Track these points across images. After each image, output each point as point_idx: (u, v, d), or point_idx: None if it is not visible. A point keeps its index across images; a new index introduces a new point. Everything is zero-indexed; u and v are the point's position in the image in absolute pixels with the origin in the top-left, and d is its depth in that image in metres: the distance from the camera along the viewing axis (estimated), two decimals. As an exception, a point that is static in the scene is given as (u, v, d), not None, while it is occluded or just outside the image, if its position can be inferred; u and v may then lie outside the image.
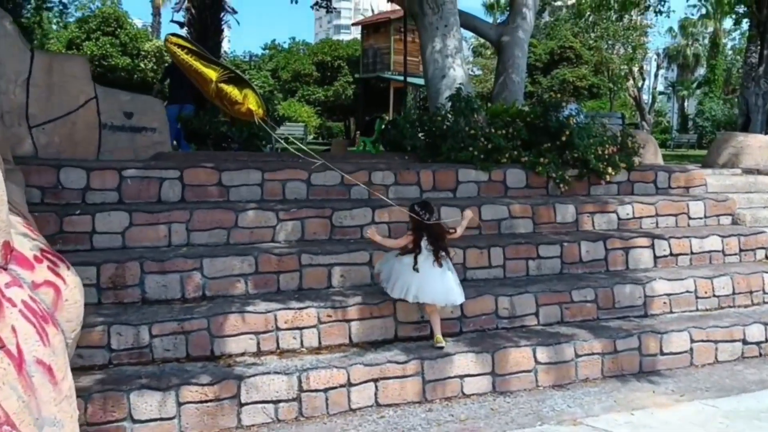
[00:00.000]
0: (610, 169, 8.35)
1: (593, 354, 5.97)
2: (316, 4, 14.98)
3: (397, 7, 19.42)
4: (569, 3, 39.16)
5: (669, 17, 21.32)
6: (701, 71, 57.39)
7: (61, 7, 20.97)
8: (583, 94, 35.66)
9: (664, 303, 6.89)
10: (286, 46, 45.63)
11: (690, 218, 8.38)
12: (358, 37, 38.45)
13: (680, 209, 8.32)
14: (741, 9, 20.53)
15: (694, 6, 52.83)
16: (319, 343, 5.55)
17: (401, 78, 25.53)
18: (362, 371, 5.18)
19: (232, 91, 11.16)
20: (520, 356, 5.72)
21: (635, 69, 40.49)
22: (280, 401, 4.90)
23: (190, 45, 11.88)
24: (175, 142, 9.41)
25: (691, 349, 6.39)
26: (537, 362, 5.77)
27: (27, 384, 2.79)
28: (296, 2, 14.75)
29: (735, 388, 5.86)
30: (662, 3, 20.42)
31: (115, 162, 6.74)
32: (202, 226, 6.28)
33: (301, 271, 6.07)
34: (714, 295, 7.14)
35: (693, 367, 6.36)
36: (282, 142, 7.13)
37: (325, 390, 5.03)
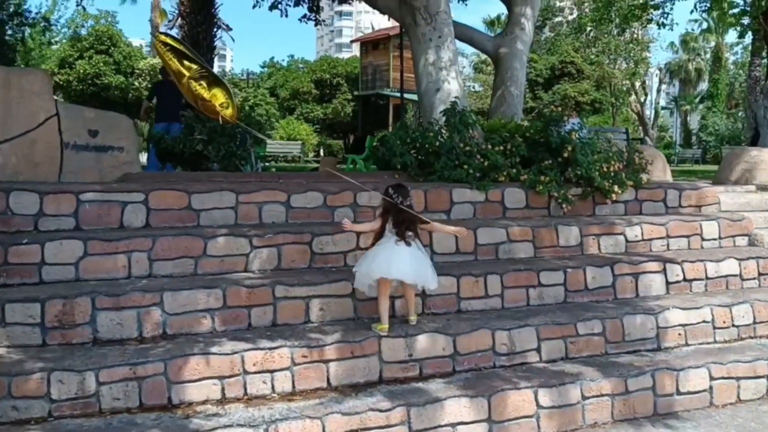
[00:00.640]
0: (616, 188, 7.74)
1: (602, 395, 5.33)
2: (304, 17, 14.52)
3: (397, 24, 19.04)
4: (570, 18, 38.82)
5: (672, 30, 20.73)
6: (703, 86, 57.09)
7: (44, 24, 20.51)
8: (585, 109, 35.13)
9: (679, 335, 6.26)
10: (285, 64, 45.26)
11: (703, 240, 7.75)
12: (358, 54, 38.13)
13: (693, 230, 7.70)
14: (746, 21, 19.99)
15: (696, 20, 52.71)
16: (293, 387, 4.92)
17: (399, 95, 25.11)
18: (340, 421, 4.55)
19: (199, 88, 10.63)
20: (521, 399, 5.08)
21: (637, 84, 39.98)
22: (243, 459, 4.27)
23: (176, 44, 11.49)
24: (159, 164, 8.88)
25: (711, 388, 5.75)
26: (539, 406, 5.12)
27: None
28: (287, 16, 14.30)
29: (761, 433, 5.22)
30: (665, 15, 19.91)
31: (73, 185, 6.14)
32: (167, 255, 5.67)
33: (275, 304, 5.45)
34: (733, 325, 6.51)
35: (713, 407, 5.72)
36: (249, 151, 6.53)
37: (296, 444, 4.39)
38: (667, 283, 6.87)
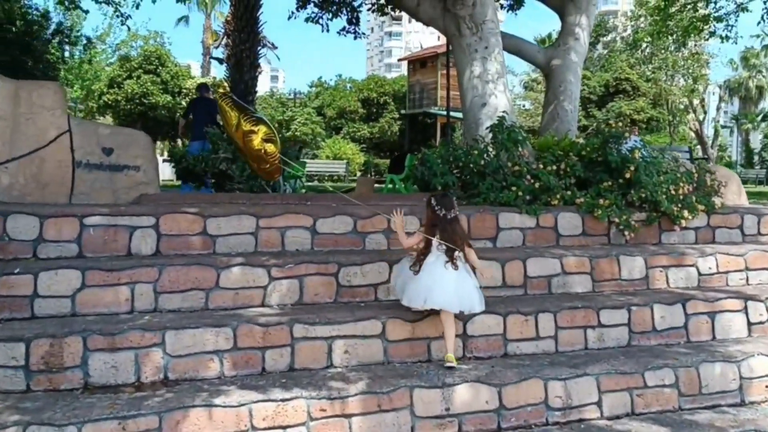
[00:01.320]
0: (686, 213, 6.85)
1: (677, 463, 4.47)
2: (343, 29, 14.00)
3: (444, 42, 18.45)
4: (624, 34, 37.60)
5: (736, 43, 19.48)
6: (764, 104, 54.85)
7: (85, 41, 20.55)
8: (640, 127, 33.77)
9: (767, 387, 5.32)
10: (332, 83, 45.12)
11: (789, 273, 6.78)
12: (405, 73, 37.66)
13: (776, 262, 6.74)
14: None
15: (758, 36, 50.72)
16: (309, 446, 4.21)
17: (451, 114, 24.48)
18: (360, 493, 3.82)
19: (245, 123, 10.49)
20: (578, 467, 4.27)
21: (696, 101, 38.36)
22: None
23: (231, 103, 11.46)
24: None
25: (809, 454, 4.80)
26: (601, 475, 4.30)
27: None
28: (328, 30, 13.82)
29: None
30: (729, 28, 18.73)
31: (77, 207, 5.61)
32: (175, 287, 5.06)
33: (292, 345, 4.77)
34: (831, 376, 5.53)
35: (812, 478, 4.77)
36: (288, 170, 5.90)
37: None
38: (749, 323, 5.96)
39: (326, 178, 30.27)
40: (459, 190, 6.96)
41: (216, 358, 4.59)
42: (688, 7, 19.28)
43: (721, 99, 45.86)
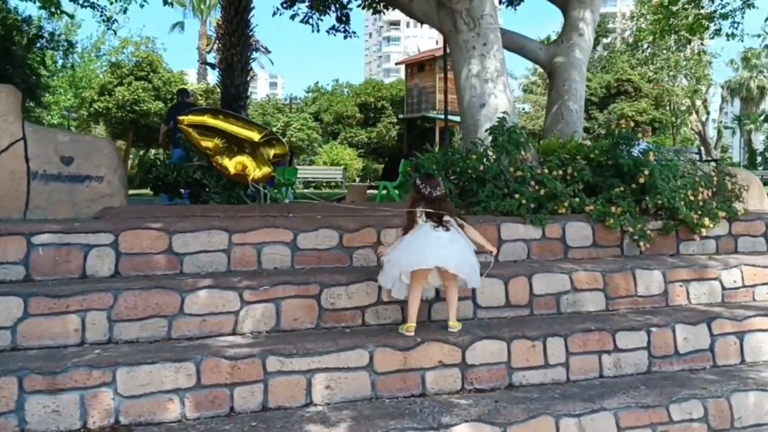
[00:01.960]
0: (706, 220, 6.24)
1: None
2: (333, 28, 13.40)
3: (442, 45, 17.91)
4: (625, 35, 37.05)
5: (743, 41, 18.90)
6: (766, 105, 54.29)
7: (66, 46, 19.92)
8: (644, 129, 33.15)
9: (807, 418, 4.70)
10: (329, 88, 44.55)
11: (822, 285, 6.15)
12: (401, 77, 37.13)
13: (807, 273, 6.11)
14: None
15: (759, 35, 50.18)
16: (281, 504, 3.59)
17: (450, 117, 23.92)
18: None
19: (224, 162, 10.38)
20: None
21: (699, 102, 37.75)
22: None
23: (197, 117, 11.20)
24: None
25: None
26: None
27: None
28: (318, 31, 13.22)
29: None
30: (735, 25, 18.11)
31: (25, 224, 4.99)
32: (132, 314, 4.44)
33: (266, 381, 4.15)
34: None
35: None
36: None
37: None
38: (782, 344, 5.33)
39: (323, 184, 29.66)
40: (456, 197, 6.33)
41: (176, 398, 3.98)
42: (693, 4, 18.68)
43: (723, 99, 45.27)
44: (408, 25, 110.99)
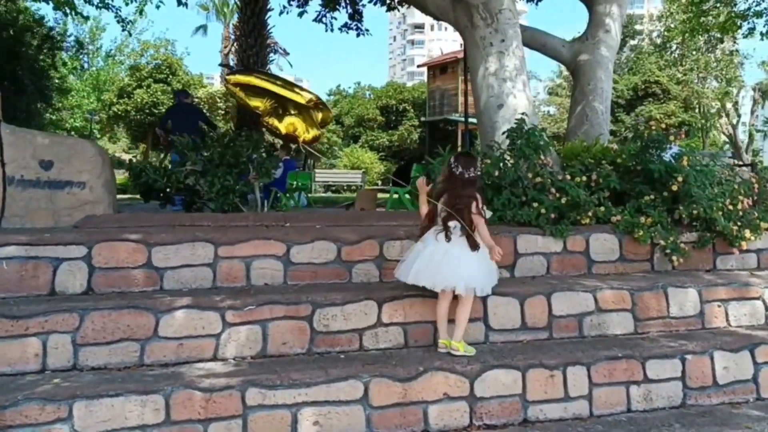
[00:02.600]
0: (747, 232, 5.64)
1: None
2: (345, 25, 12.94)
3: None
4: (653, 35, 36.13)
5: (778, 40, 18.06)
6: (798, 107, 52.85)
7: (76, 47, 19.68)
8: (675, 131, 32.20)
9: None
10: (351, 91, 44.12)
11: None
12: (425, 80, 36.57)
13: None
14: None
15: (792, 36, 48.87)
16: None
17: (470, 120, 23.37)
18: None
19: (273, 122, 11.05)
20: None
21: (729, 105, 36.63)
22: None
23: (246, 78, 11.39)
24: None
25: None
26: None
27: None
28: (332, 30, 12.77)
29: None
30: (769, 24, 17.31)
31: (-11, 235, 4.56)
32: (100, 338, 3.98)
33: (245, 417, 3.67)
34: None
35: None
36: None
37: None
38: (836, 374, 4.71)
39: (344, 188, 29.23)
40: (469, 206, 5.78)
41: (141, 437, 3.50)
42: (724, 2, 17.92)
43: (755, 102, 43.92)
44: (432, 28, 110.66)
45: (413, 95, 37.39)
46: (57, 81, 25.82)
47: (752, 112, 43.81)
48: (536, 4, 12.69)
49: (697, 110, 34.99)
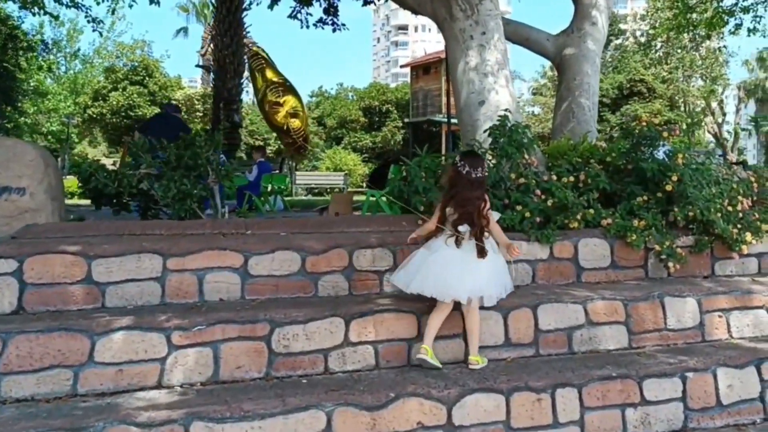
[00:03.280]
0: (748, 236, 5.24)
1: None
2: (320, 21, 12.48)
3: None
4: (637, 33, 35.97)
5: (765, 36, 17.84)
6: (782, 105, 53.10)
7: (42, 47, 19.04)
8: (669, 127, 31.92)
9: None
10: (333, 92, 43.65)
11: None
12: (408, 80, 36.19)
13: None
14: None
15: (776, 33, 49.12)
16: None
17: (454, 121, 22.99)
18: None
19: (271, 95, 12.09)
20: None
21: (714, 103, 36.54)
22: None
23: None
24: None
25: None
26: None
27: None
28: (307, 27, 12.32)
29: None
30: (757, 20, 17.05)
31: None
32: (27, 365, 3.49)
33: (187, 456, 3.18)
34: None
35: None
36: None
37: None
38: None
39: (327, 190, 28.75)
40: (449, 210, 5.33)
41: (65, 483, 3.02)
42: (712, -4, 17.65)
43: (740, 100, 43.96)
44: (416, 29, 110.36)
45: (396, 96, 37.02)
46: (31, 84, 25.17)
47: (737, 111, 43.92)
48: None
49: (682, 109, 34.83)
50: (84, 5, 15.19)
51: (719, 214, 5.16)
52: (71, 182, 14.28)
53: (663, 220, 5.23)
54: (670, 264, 5.10)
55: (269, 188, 11.40)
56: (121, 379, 3.58)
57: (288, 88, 18.14)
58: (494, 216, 4.12)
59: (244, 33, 18.78)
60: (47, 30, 28.62)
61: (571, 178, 5.42)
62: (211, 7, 43.32)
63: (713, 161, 5.85)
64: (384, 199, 7.32)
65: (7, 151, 4.94)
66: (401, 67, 45.05)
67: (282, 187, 12.31)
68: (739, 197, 5.37)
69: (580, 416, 3.80)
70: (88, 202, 6.34)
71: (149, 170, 5.39)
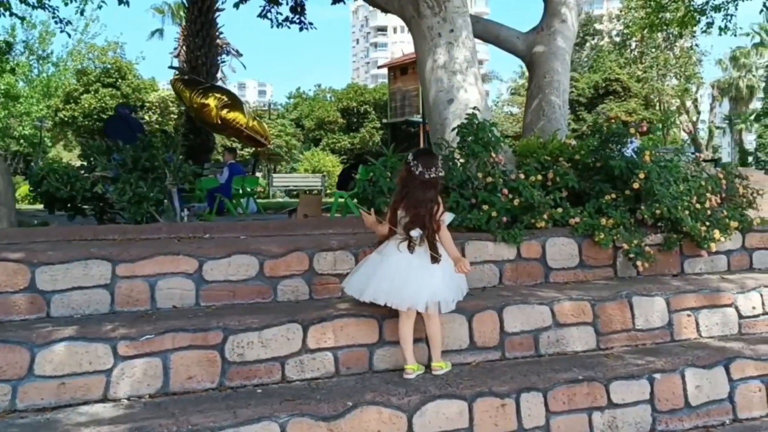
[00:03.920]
0: (716, 233, 5.16)
1: None
2: (287, 19, 12.31)
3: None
4: (613, 33, 36.18)
5: (735, 35, 17.90)
6: (756, 104, 53.80)
7: (5, 47, 18.63)
8: (635, 124, 32.12)
9: None
10: (311, 93, 43.42)
11: None
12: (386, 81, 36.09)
13: (840, 294, 5.03)
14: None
15: (747, 34, 49.91)
16: None
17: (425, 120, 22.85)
18: None
19: (236, 117, 12.22)
20: None
21: (689, 102, 36.83)
22: None
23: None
24: None
25: None
26: None
27: None
28: (279, 26, 12.14)
29: None
30: (728, 18, 17.12)
31: None
32: (-39, 380, 3.30)
33: (131, 474, 3.02)
34: None
35: None
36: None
37: None
38: (818, 388, 4.24)
39: (305, 192, 28.54)
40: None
41: (-3, 505, 2.84)
42: (684, -5, 17.71)
43: (714, 99, 44.42)
44: (395, 30, 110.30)
45: (375, 97, 36.91)
46: (2, 87, 24.70)
47: (711, 109, 44.34)
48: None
49: (657, 107, 35.07)
50: (51, 6, 14.85)
51: (687, 212, 5.08)
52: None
53: (631, 219, 5.15)
54: (639, 263, 5.01)
55: (239, 191, 11.20)
56: (63, 393, 3.40)
57: (210, 88, 16.34)
58: (448, 218, 3.95)
59: (217, 33, 18.57)
60: (19, 33, 28.20)
61: (539, 177, 5.32)
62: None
63: (682, 158, 5.77)
64: (350, 201, 7.19)
65: (-48, 154, 4.72)
66: (379, 67, 44.94)
67: (254, 189, 12.12)
68: (708, 194, 5.31)
69: (546, 421, 3.70)
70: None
71: (104, 173, 5.19)
